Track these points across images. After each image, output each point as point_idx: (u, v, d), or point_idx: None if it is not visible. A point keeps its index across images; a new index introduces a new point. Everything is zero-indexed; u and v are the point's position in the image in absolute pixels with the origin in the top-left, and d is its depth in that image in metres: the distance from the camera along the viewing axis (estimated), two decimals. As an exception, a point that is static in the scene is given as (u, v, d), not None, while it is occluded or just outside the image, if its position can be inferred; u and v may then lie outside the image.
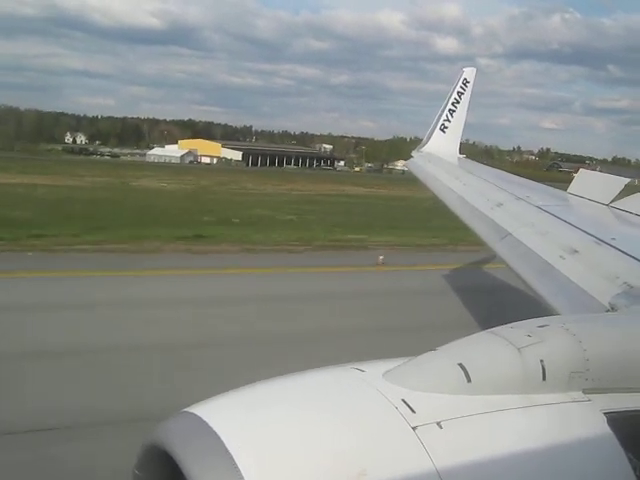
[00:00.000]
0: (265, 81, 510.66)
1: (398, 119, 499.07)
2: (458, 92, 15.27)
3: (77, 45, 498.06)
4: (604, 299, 4.24)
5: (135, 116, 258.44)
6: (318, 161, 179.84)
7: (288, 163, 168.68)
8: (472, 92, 15.36)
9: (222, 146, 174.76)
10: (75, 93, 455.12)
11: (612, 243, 5.35)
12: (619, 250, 5.14)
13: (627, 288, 4.28)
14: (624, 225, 6.95)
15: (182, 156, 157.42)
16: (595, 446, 2.44)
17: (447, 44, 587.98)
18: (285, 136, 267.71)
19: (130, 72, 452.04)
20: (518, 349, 2.55)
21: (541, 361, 2.53)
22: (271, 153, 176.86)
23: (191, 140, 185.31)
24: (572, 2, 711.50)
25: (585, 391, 2.60)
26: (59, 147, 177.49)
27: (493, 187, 9.67)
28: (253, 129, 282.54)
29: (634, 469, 2.41)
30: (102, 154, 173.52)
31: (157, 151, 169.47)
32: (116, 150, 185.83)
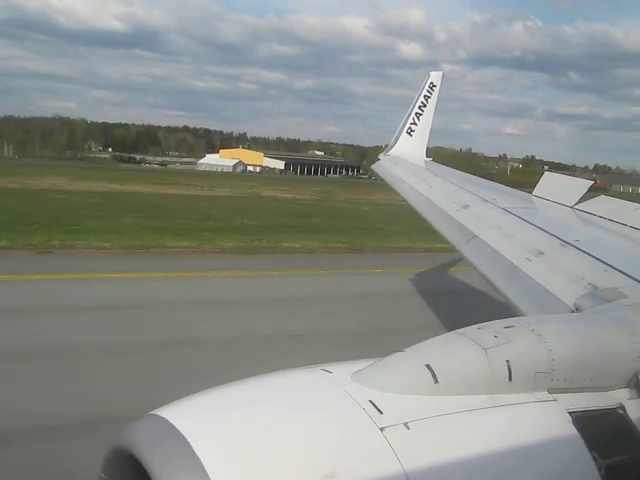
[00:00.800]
0: (229, 85, 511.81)
1: (362, 124, 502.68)
2: (425, 96, 15.33)
3: (39, 48, 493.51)
4: (569, 300, 4.28)
5: (100, 120, 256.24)
6: (346, 170, 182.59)
7: (329, 172, 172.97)
8: (438, 96, 15.45)
9: (264, 155, 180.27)
10: (36, 96, 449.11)
11: (577, 245, 5.41)
12: (584, 252, 5.19)
13: (592, 289, 4.32)
14: (588, 227, 7.03)
15: (234, 165, 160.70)
16: (560, 445, 2.46)
17: (411, 50, 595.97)
18: (279, 143, 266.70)
19: (93, 75, 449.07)
20: (485, 350, 2.56)
21: (507, 361, 2.55)
22: (309, 162, 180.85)
23: (232, 150, 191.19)
24: (534, 10, 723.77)
25: (550, 391, 2.62)
26: (104, 156, 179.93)
27: (459, 189, 9.72)
28: (248, 135, 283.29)
29: (598, 468, 2.44)
30: (150, 163, 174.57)
31: (208, 160, 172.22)
32: (161, 159, 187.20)
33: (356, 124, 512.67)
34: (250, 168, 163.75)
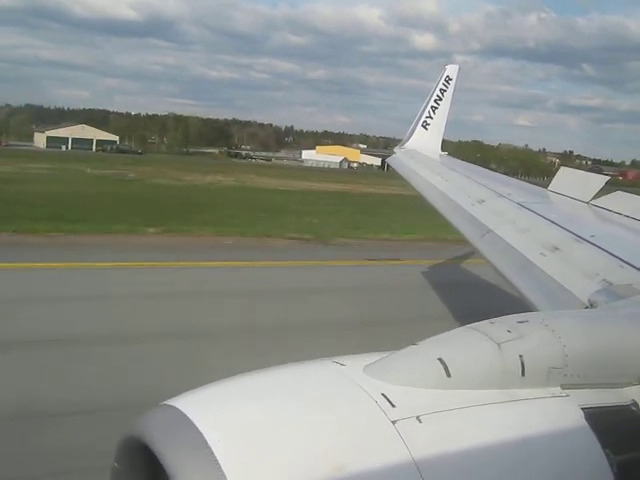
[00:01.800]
0: (241, 74, 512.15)
1: (374, 114, 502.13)
2: (440, 89, 15.29)
3: (54, 36, 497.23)
4: (583, 296, 4.26)
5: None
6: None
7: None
8: (454, 89, 15.40)
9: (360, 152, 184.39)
10: (49, 85, 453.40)
11: (592, 240, 5.38)
12: (599, 247, 5.17)
13: (606, 285, 4.31)
14: (604, 223, 6.99)
15: (340, 162, 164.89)
16: (573, 441, 2.46)
17: (424, 40, 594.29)
18: (326, 136, 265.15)
19: (106, 64, 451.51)
20: (498, 344, 2.56)
21: (520, 356, 2.55)
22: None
23: (327, 146, 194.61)
24: (548, 1, 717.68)
25: (563, 386, 2.61)
26: (210, 150, 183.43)
27: (475, 184, 9.69)
28: (294, 129, 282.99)
29: (611, 464, 2.43)
30: (255, 158, 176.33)
31: (309, 156, 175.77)
32: (265, 155, 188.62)
33: (368, 114, 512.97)
34: (352, 165, 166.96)
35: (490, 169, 18.04)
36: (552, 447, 2.38)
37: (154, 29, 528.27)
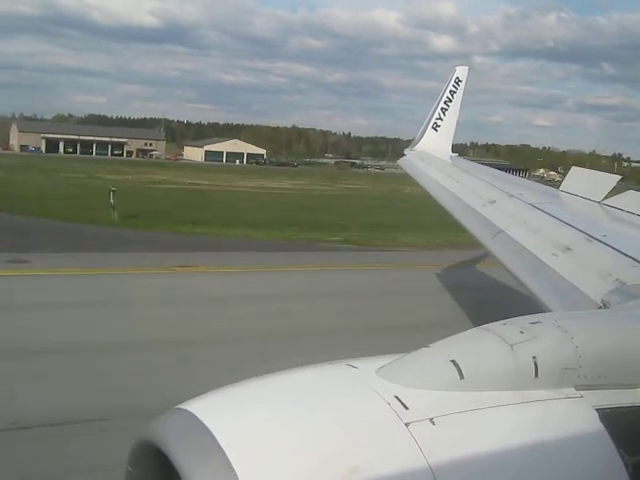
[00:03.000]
0: (259, 79, 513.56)
1: (392, 117, 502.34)
2: (450, 91, 15.28)
3: (73, 44, 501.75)
4: (596, 296, 4.25)
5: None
6: (514, 171, 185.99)
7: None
8: (465, 90, 15.39)
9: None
10: (68, 92, 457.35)
11: (604, 240, 5.36)
12: (611, 247, 5.15)
13: (619, 285, 4.29)
14: (616, 222, 6.96)
15: None
16: (587, 442, 2.45)
17: (443, 42, 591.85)
18: (384, 141, 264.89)
19: (124, 70, 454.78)
20: (511, 345, 2.55)
21: (533, 357, 2.54)
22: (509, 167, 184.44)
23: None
24: (567, 1, 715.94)
25: (577, 387, 2.60)
26: (325, 161, 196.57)
27: (486, 185, 9.68)
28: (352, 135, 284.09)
29: (626, 465, 2.42)
30: (367, 167, 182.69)
31: None
32: (379, 164, 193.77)
33: (385, 117, 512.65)
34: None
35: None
36: (566, 448, 2.37)
37: (173, 35, 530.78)
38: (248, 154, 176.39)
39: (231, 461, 1.97)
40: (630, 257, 4.76)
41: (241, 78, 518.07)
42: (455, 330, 2.78)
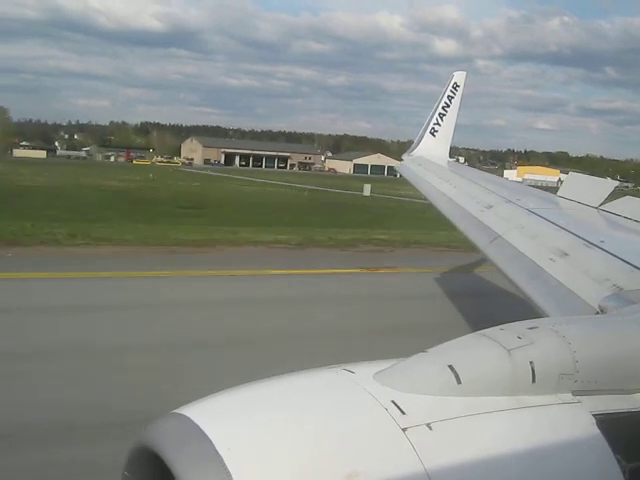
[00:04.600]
0: (262, 82, 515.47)
1: (394, 120, 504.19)
2: (448, 96, 15.31)
3: (78, 48, 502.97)
4: (594, 301, 4.25)
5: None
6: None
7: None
8: (464, 95, 15.42)
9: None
10: (71, 95, 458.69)
11: (601, 246, 5.37)
12: (608, 253, 5.15)
13: (616, 290, 4.29)
14: (613, 228, 6.97)
15: (557, 181, 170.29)
16: (584, 448, 2.44)
17: (446, 46, 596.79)
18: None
19: (129, 74, 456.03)
20: (508, 351, 2.55)
21: (531, 363, 2.54)
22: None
23: (529, 167, 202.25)
24: (570, 5, 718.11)
25: (574, 393, 2.60)
26: None
27: (483, 190, 9.69)
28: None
29: (623, 471, 2.42)
30: None
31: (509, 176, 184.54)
32: None
33: (388, 120, 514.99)
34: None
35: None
36: (563, 454, 2.37)
37: (177, 39, 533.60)
38: (388, 167, 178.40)
39: (228, 466, 1.97)
40: (627, 262, 4.76)
41: (244, 82, 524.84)
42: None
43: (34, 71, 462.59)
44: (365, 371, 2.47)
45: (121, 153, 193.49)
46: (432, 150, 14.74)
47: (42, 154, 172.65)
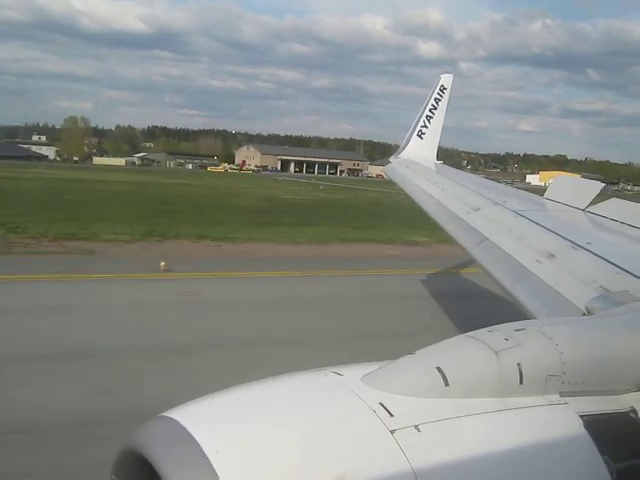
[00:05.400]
0: (245, 84, 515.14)
1: (377, 122, 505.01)
2: (435, 98, 15.35)
3: (62, 50, 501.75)
4: (580, 303, 4.26)
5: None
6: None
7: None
8: (450, 97, 15.46)
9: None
10: (54, 97, 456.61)
11: (588, 247, 5.38)
12: (595, 254, 5.16)
13: (603, 292, 4.30)
14: (600, 230, 6.99)
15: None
16: (572, 449, 2.45)
17: (430, 48, 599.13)
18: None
19: (112, 76, 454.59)
20: (495, 353, 2.56)
21: (518, 364, 2.54)
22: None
23: (551, 172, 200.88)
24: (553, 8, 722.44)
25: (562, 394, 2.61)
26: None
27: (470, 192, 9.70)
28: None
29: (610, 472, 2.43)
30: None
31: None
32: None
33: (372, 122, 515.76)
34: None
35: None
36: (551, 455, 2.37)
37: (161, 41, 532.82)
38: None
39: (215, 468, 1.96)
40: (614, 264, 4.77)
41: (228, 83, 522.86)
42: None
43: (12, 73, 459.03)
44: (353, 373, 2.47)
45: (196, 161, 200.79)
46: (420, 152, 14.77)
47: (121, 162, 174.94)
